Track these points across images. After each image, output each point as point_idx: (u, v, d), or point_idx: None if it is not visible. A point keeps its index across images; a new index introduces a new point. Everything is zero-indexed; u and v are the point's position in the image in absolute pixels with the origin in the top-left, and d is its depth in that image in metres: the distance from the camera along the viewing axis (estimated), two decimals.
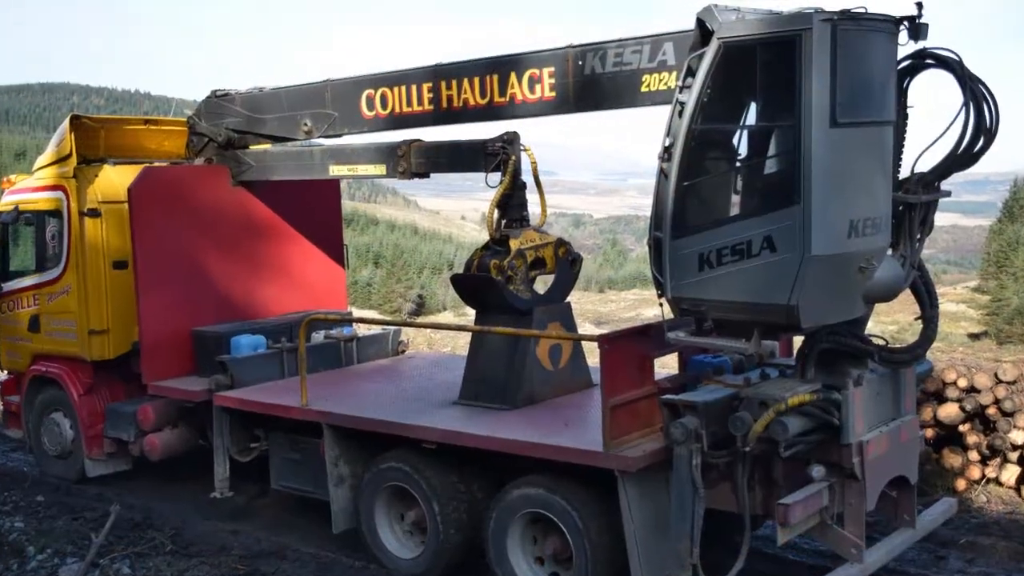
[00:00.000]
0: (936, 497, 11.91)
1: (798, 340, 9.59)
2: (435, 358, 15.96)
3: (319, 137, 13.29)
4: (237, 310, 14.34)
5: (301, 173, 13.78)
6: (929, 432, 13.61)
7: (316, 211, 15.42)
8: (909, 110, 9.14)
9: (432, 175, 12.66)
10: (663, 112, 8.92)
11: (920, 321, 9.57)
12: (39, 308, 14.93)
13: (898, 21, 8.54)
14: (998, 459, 13.65)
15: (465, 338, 17.69)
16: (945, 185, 9.29)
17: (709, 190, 8.87)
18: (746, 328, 8.71)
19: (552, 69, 10.70)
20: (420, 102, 11.88)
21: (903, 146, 9.08)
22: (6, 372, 16.33)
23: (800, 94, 8.01)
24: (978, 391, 13.70)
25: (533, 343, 11.29)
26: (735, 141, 8.88)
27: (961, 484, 13.50)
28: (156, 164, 14.76)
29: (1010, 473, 13.50)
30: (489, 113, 11.39)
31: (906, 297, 9.52)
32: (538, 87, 10.85)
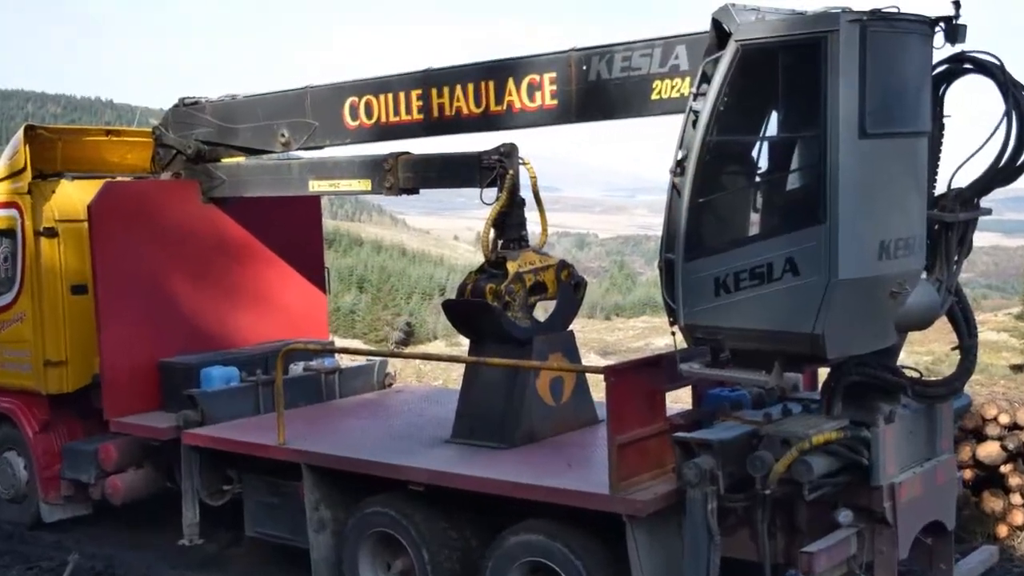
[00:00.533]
0: (975, 544, 11.88)
1: (823, 372, 9.57)
2: (425, 392, 15.98)
3: (298, 149, 13.29)
4: (208, 339, 14.30)
5: (278, 189, 13.77)
6: (967, 473, 13.57)
7: (295, 231, 15.41)
8: (945, 120, 9.14)
9: (422, 191, 12.67)
10: (675, 122, 8.93)
11: (957, 351, 9.55)
12: None
13: (934, 22, 8.54)
14: None
15: (458, 370, 17.65)
16: (985, 202, 9.28)
17: (726, 208, 8.87)
18: (766, 359, 8.69)
19: (553, 75, 10.71)
20: (408, 111, 11.89)
21: (939, 159, 9.08)
22: None
23: (826, 102, 8.01)
24: (1021, 428, 13.66)
25: (533, 376, 11.26)
26: (754, 154, 8.88)
27: (1003, 530, 13.45)
28: (119, 179, 14.77)
29: None
30: (484, 123, 11.39)
31: (942, 325, 9.50)
32: (538, 94, 10.86)
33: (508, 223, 11.63)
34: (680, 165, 8.66)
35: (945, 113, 9.14)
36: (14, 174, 14.40)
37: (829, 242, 8.07)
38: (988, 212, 9.34)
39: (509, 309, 11.25)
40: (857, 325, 8.45)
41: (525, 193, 11.73)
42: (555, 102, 10.76)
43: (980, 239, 9.82)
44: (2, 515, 15.00)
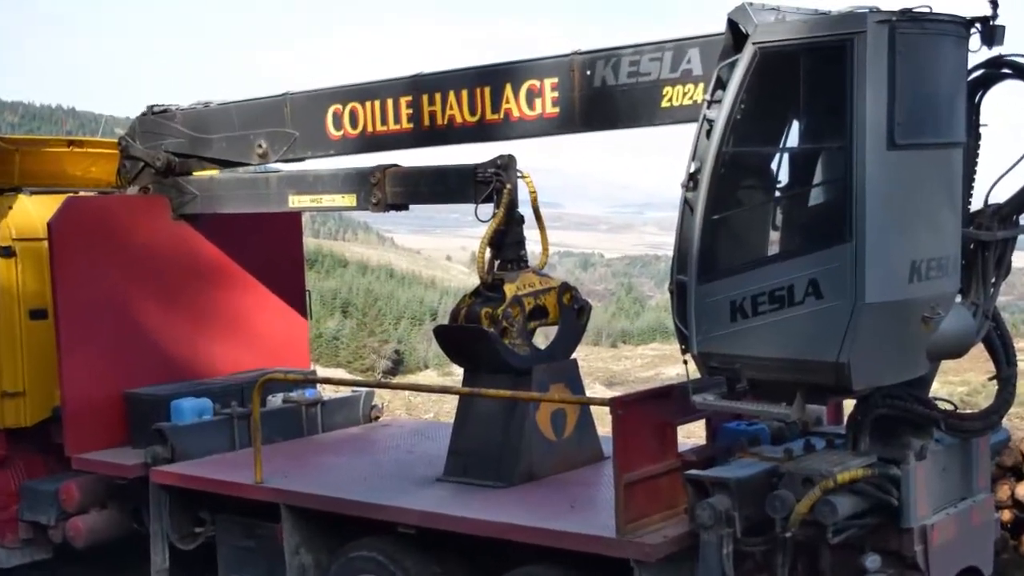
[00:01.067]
0: None
1: (849, 405, 9.55)
2: (415, 426, 15.94)
3: (276, 161, 13.27)
4: (178, 368, 14.27)
5: (255, 205, 13.76)
6: (1006, 514, 13.55)
7: (273, 250, 15.41)
8: (982, 129, 9.14)
9: (412, 207, 12.65)
10: (688, 132, 8.93)
11: (995, 381, 9.54)
12: None
13: (969, 23, 8.54)
14: None
15: (451, 402, 17.62)
16: None
17: (743, 225, 8.87)
18: (787, 390, 8.68)
19: (555, 80, 10.71)
20: (397, 120, 11.88)
21: (975, 172, 9.08)
22: None
23: (852, 110, 8.01)
24: None
25: (533, 408, 11.24)
26: (774, 166, 8.88)
27: None
28: (81, 194, 14.76)
29: None
30: (480, 133, 11.39)
31: (978, 353, 9.49)
32: (538, 102, 10.85)
33: (505, 242, 11.62)
34: (693, 179, 8.66)
35: (981, 122, 9.14)
36: None
37: (855, 262, 8.06)
38: None
39: (507, 336, 11.23)
40: (886, 353, 8.43)
41: (524, 209, 11.74)
42: (556, 110, 10.76)
43: (1020, 259, 9.82)
44: None
